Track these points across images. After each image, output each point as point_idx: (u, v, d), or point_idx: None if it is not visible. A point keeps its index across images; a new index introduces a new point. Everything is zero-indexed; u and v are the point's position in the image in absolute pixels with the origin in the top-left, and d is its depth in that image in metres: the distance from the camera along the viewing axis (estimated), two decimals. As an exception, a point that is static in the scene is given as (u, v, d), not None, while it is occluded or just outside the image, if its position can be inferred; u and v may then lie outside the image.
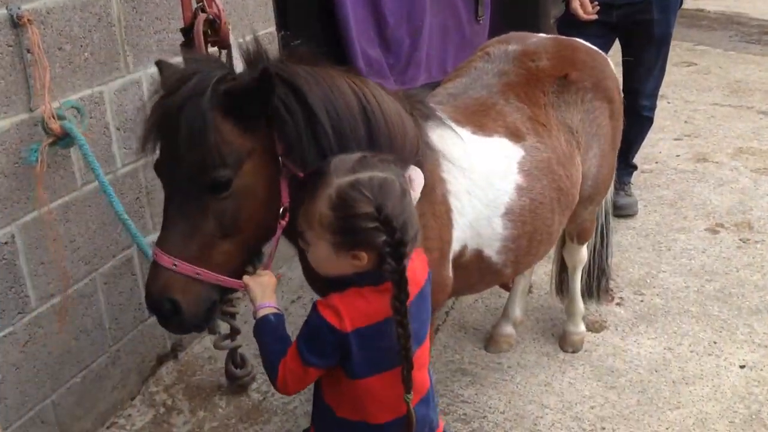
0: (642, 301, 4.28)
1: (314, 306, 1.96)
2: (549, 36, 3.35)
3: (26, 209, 2.80)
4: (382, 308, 1.89)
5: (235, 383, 3.65)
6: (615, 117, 3.27)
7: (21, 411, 2.94)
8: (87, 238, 3.12)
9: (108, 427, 3.44)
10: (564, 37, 3.33)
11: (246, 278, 2.11)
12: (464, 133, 2.70)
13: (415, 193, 2.15)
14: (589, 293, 4.02)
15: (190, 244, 2.05)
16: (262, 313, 2.05)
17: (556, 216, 2.94)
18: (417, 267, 2.07)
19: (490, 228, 2.71)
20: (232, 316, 3.46)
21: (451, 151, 2.56)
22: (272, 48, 4.07)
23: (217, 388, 3.71)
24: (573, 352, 3.86)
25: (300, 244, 2.01)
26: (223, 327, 3.48)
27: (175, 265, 2.04)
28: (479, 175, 2.67)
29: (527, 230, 2.82)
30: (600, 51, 3.37)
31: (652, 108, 5.16)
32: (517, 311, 3.92)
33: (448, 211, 2.57)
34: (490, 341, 3.91)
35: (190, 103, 1.98)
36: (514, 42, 3.24)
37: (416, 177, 2.20)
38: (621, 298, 4.31)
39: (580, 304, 3.89)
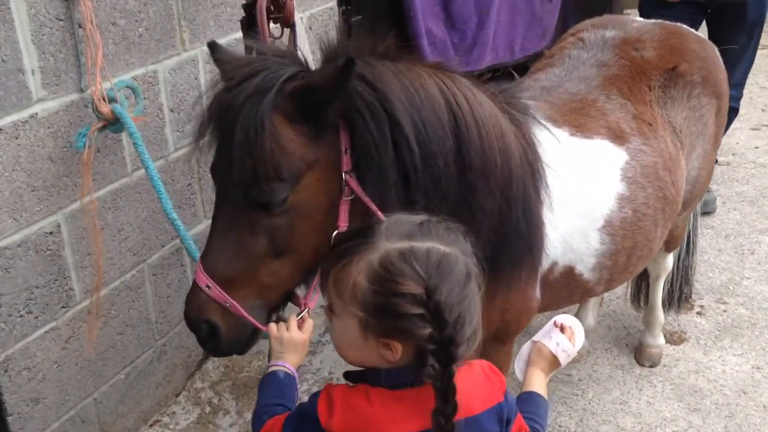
0: (725, 311, 3.93)
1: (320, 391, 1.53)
2: (651, 21, 2.97)
3: (73, 197, 2.55)
4: (392, 421, 1.41)
5: None
6: (721, 114, 2.91)
7: (60, 411, 2.73)
8: (136, 227, 2.87)
9: (151, 425, 3.23)
10: (668, 22, 2.96)
11: (273, 328, 1.77)
12: (561, 134, 2.38)
13: (571, 350, 1.84)
14: (669, 303, 3.70)
15: (233, 264, 1.79)
16: (272, 369, 1.73)
17: (659, 229, 2.62)
18: (471, 384, 1.47)
19: (585, 243, 2.40)
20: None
21: (546, 156, 2.25)
22: (331, 23, 3.76)
23: (266, 387, 3.48)
24: (651, 366, 3.55)
25: (325, 311, 1.55)
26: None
27: (209, 287, 1.79)
28: (577, 184, 2.36)
29: (627, 245, 2.50)
30: (708, 40, 2.99)
31: (738, 98, 4.74)
32: (590, 319, 3.61)
33: (541, 223, 2.26)
34: (559, 350, 3.61)
35: (249, 103, 1.70)
36: (612, 27, 2.88)
37: (577, 328, 1.90)
38: (702, 306, 3.97)
39: (660, 315, 3.57)
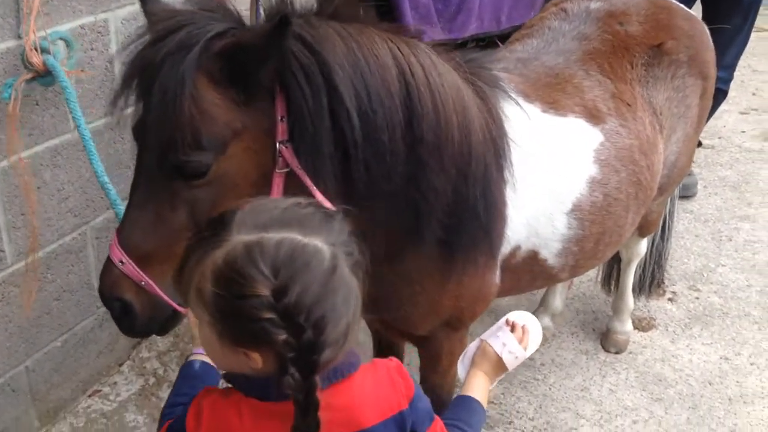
0: (697, 298, 3.82)
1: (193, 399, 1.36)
2: None
3: (4, 152, 2.36)
4: None
5: None
6: (706, 96, 2.75)
7: (-11, 377, 2.58)
8: (78, 187, 2.69)
9: (90, 396, 3.08)
10: None
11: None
12: (533, 110, 2.22)
13: (525, 351, 1.70)
14: (640, 288, 3.58)
15: (149, 239, 1.63)
16: (189, 358, 1.59)
17: (631, 215, 2.47)
18: (367, 392, 1.32)
19: (550, 226, 2.25)
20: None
21: (513, 133, 2.09)
22: None
23: (217, 357, 3.34)
24: (616, 353, 3.44)
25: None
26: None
27: (122, 262, 1.63)
28: (545, 164, 2.20)
29: (595, 231, 2.35)
30: (699, 18, 2.81)
31: (729, 80, 4.58)
32: (558, 302, 3.48)
33: (503, 203, 2.11)
34: (524, 333, 3.49)
35: (170, 61, 1.53)
36: (598, -5, 2.69)
37: (532, 327, 1.75)
38: (674, 292, 3.86)
39: (629, 300, 3.45)
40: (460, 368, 1.73)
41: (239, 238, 1.18)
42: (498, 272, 2.22)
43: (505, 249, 2.19)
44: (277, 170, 1.66)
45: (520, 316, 1.75)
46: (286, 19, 1.49)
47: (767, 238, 4.31)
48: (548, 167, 2.21)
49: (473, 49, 2.27)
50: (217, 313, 1.17)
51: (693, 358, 3.42)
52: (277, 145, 1.64)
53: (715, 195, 4.76)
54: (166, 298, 1.66)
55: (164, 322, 1.75)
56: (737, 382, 3.28)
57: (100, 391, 3.08)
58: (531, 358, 3.33)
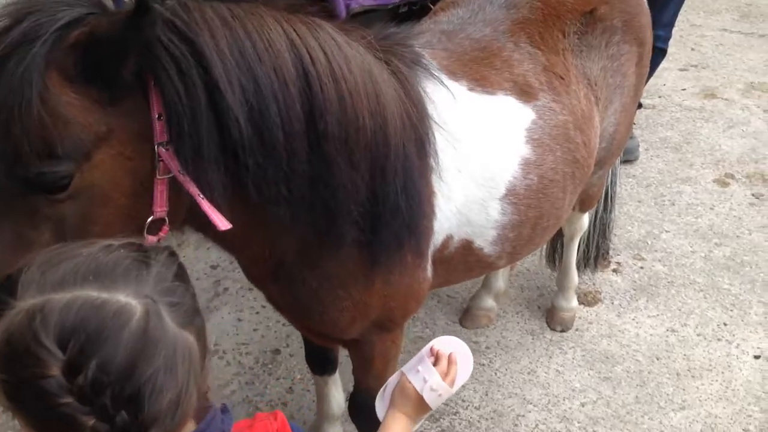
0: (642, 267, 3.74)
1: None
2: None
3: None
4: None
5: None
6: (643, 63, 2.60)
7: None
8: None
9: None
10: None
11: None
12: (458, 89, 2.04)
13: (451, 387, 1.50)
14: (585, 263, 3.47)
15: (8, 262, 1.36)
16: None
17: (568, 195, 2.32)
18: None
19: (484, 214, 2.09)
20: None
21: (438, 115, 1.91)
22: None
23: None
24: (562, 331, 3.33)
25: None
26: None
27: None
28: (474, 147, 2.03)
29: (531, 215, 2.20)
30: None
31: (667, 38, 4.46)
32: (500, 281, 3.35)
33: (429, 194, 1.93)
34: (466, 315, 3.36)
35: (16, 57, 1.30)
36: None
37: (460, 356, 1.54)
38: (618, 263, 3.76)
39: (574, 277, 3.33)
40: (379, 407, 1.54)
41: (22, 304, 0.95)
42: (429, 266, 2.06)
43: (436, 241, 2.03)
44: (158, 176, 1.45)
45: (447, 344, 1.54)
46: (143, 5, 1.27)
47: (709, 200, 4.25)
48: (477, 151, 2.04)
49: (390, 24, 2.04)
50: (13, 402, 0.95)
51: (639, 332, 3.33)
52: (156, 147, 1.43)
53: (656, 157, 4.68)
54: None
55: None
56: (684, 355, 3.21)
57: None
58: (476, 341, 3.22)
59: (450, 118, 1.96)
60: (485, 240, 2.15)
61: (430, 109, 1.90)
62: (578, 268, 3.40)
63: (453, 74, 2.07)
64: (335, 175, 1.60)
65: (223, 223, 1.46)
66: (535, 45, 2.26)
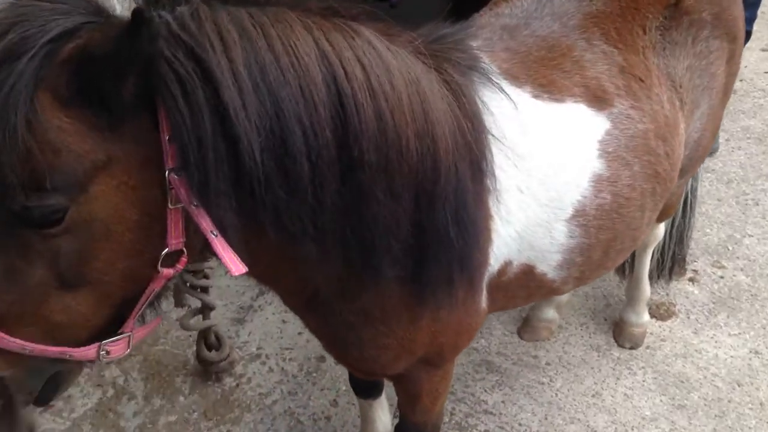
0: (722, 277, 3.40)
1: None
2: None
3: None
4: None
5: (210, 369, 2.92)
6: (734, 61, 2.28)
7: None
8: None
9: (41, 411, 2.74)
10: None
11: None
12: (521, 96, 1.78)
13: None
14: (659, 273, 3.16)
15: (5, 297, 1.22)
16: None
17: (647, 213, 2.04)
18: None
19: (548, 237, 1.84)
20: (204, 289, 2.70)
21: (497, 129, 1.66)
22: None
23: (182, 366, 2.98)
24: (631, 348, 3.05)
25: None
26: (193, 301, 2.72)
27: None
28: (538, 163, 1.77)
29: (603, 238, 1.93)
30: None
31: (752, 19, 4.07)
32: (565, 291, 3.07)
33: (485, 217, 1.69)
34: (525, 326, 3.10)
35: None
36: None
37: None
38: (695, 271, 3.43)
39: (646, 288, 3.04)
40: None
41: None
42: (484, 298, 1.83)
43: (492, 269, 1.79)
44: (170, 206, 1.25)
45: None
46: (140, 14, 1.06)
47: (799, 201, 3.86)
48: (542, 167, 1.78)
49: (444, 23, 1.77)
50: None
51: (719, 352, 3.02)
52: (167, 174, 1.22)
53: (738, 150, 4.29)
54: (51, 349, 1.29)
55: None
56: (770, 380, 2.90)
57: (53, 405, 2.74)
58: (535, 356, 2.97)
59: (511, 131, 1.70)
60: (549, 265, 1.90)
61: (489, 122, 1.65)
62: (651, 279, 3.10)
63: (515, 79, 1.81)
64: (371, 207, 1.37)
65: (236, 267, 1.26)
66: (610, 43, 1.97)
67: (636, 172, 1.94)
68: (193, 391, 2.87)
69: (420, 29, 1.68)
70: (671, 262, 3.13)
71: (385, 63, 1.37)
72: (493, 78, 1.72)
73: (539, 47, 1.91)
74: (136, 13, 1.07)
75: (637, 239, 2.09)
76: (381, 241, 1.43)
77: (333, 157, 1.29)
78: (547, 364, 2.99)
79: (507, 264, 1.82)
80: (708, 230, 3.68)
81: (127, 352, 1.38)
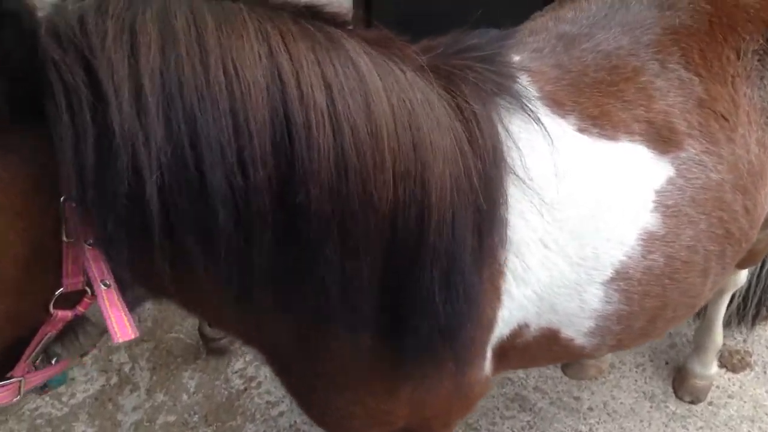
0: (813, 329, 2.95)
1: None
2: None
3: None
4: None
5: (210, 345, 2.76)
6: None
7: None
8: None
9: (41, 395, 2.65)
10: None
11: None
12: (562, 129, 1.45)
13: None
14: (739, 320, 2.75)
15: None
16: None
17: (711, 278, 1.68)
18: None
19: (577, 301, 1.52)
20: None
21: (523, 167, 1.34)
22: None
23: (192, 358, 2.82)
24: (691, 402, 2.67)
25: None
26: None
27: None
28: (573, 214, 1.44)
29: (650, 306, 1.60)
30: None
31: None
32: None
33: (493, 275, 1.39)
34: (572, 362, 2.77)
35: None
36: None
37: None
38: (781, 318, 2.98)
39: (717, 338, 2.64)
40: None
41: None
42: (488, 363, 1.53)
43: (502, 332, 1.50)
44: (65, 239, 1.02)
45: None
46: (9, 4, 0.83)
47: None
48: (577, 219, 1.45)
49: (487, 29, 1.45)
50: None
51: (796, 420, 2.60)
52: (61, 203, 0.99)
53: None
54: None
55: None
56: None
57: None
58: (577, 397, 2.64)
59: (541, 171, 1.39)
60: (578, 331, 1.58)
61: (512, 159, 1.33)
62: (729, 324, 2.70)
63: (559, 106, 1.47)
64: (318, 269, 1.10)
65: (122, 331, 1.04)
66: (691, 67, 1.59)
67: (701, 230, 1.57)
68: (198, 390, 2.70)
69: (442, 38, 1.38)
70: (756, 309, 2.71)
71: (364, 85, 1.08)
72: (527, 104, 1.40)
73: (598, 67, 1.56)
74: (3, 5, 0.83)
75: (695, 306, 1.73)
76: (337, 303, 1.16)
77: (267, 204, 1.02)
78: (590, 409, 2.65)
79: (523, 327, 1.52)
80: (807, 269, 3.20)
81: (16, 400, 1.18)
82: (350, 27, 1.18)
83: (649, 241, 1.52)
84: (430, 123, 1.17)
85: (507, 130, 1.35)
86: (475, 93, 1.30)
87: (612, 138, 1.49)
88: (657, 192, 1.52)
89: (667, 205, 1.52)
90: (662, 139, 1.52)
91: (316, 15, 1.13)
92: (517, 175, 1.35)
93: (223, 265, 1.04)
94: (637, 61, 1.58)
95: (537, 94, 1.46)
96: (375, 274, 1.15)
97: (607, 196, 1.48)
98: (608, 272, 1.51)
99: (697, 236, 1.57)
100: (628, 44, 1.60)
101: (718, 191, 1.58)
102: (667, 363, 2.81)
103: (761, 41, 1.63)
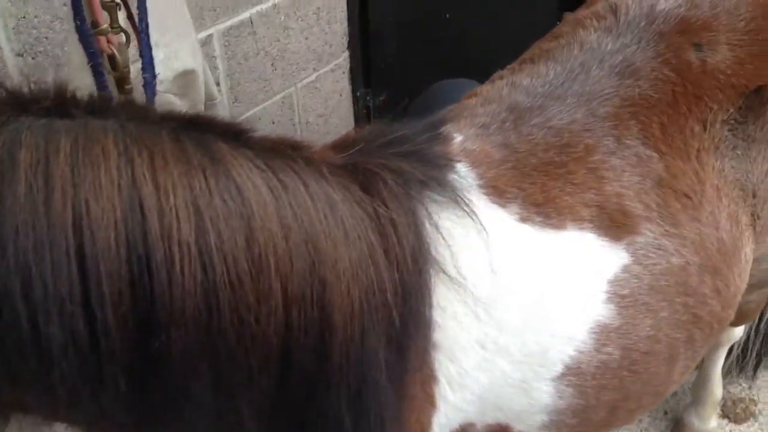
0: (825, 374, 2.78)
1: None
2: None
3: None
4: None
5: None
6: None
7: None
8: None
9: None
10: None
11: None
12: (502, 220, 1.35)
13: None
14: (739, 370, 2.61)
15: None
16: None
17: (680, 363, 1.57)
18: None
19: (524, 398, 1.42)
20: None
21: (455, 266, 1.25)
22: (251, 43, 2.65)
23: None
24: (689, 457, 2.54)
25: None
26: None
27: None
28: (513, 312, 1.34)
29: (607, 399, 1.49)
30: None
31: None
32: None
33: (424, 382, 1.29)
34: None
35: None
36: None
37: None
38: (790, 362, 2.83)
39: (715, 391, 2.50)
40: None
41: None
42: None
43: (443, 432, 1.40)
44: None
45: None
46: None
47: None
48: (518, 316, 1.35)
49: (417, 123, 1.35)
50: None
51: (801, 478, 2.46)
52: None
53: None
54: None
55: None
56: None
57: None
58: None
59: (476, 268, 1.29)
60: (529, 426, 1.48)
61: (444, 258, 1.24)
62: (729, 374, 2.56)
63: (500, 194, 1.37)
64: (188, 408, 1.02)
65: None
66: (650, 143, 1.47)
67: (662, 319, 1.46)
68: None
69: (364, 131, 1.29)
70: (756, 358, 2.57)
71: (247, 209, 0.99)
72: (461, 197, 1.30)
73: (548, 146, 1.45)
74: None
75: (663, 393, 1.62)
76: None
77: (120, 347, 0.92)
78: (582, 460, 2.54)
79: (467, 427, 1.42)
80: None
81: None
82: (249, 135, 1.10)
83: (603, 334, 1.41)
84: (335, 237, 1.08)
85: (437, 228, 1.25)
86: (397, 193, 1.20)
87: (557, 227, 1.38)
88: (610, 282, 1.40)
89: (623, 295, 1.41)
90: (615, 225, 1.41)
91: (206, 128, 1.05)
92: (449, 276, 1.26)
93: (73, 413, 0.97)
94: (590, 137, 1.46)
95: (476, 182, 1.36)
96: (263, 409, 1.07)
97: (551, 290, 1.37)
98: (557, 368, 1.40)
99: (657, 325, 1.46)
100: (583, 118, 1.49)
101: (681, 276, 1.46)
102: (666, 413, 2.68)
103: (732, 110, 1.51)
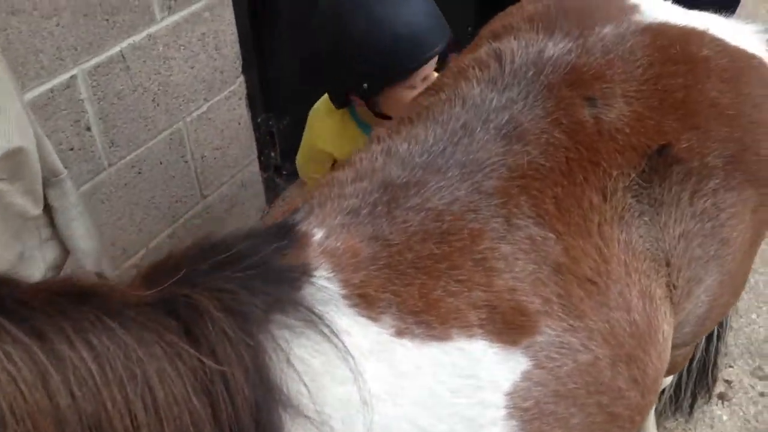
0: (763, 395, 2.65)
1: None
2: (648, 22, 1.48)
3: None
4: None
5: None
6: (765, 208, 1.52)
7: None
8: None
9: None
10: (682, 24, 1.47)
11: None
12: (372, 338, 1.12)
13: None
14: (674, 409, 2.45)
15: None
16: None
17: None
18: None
19: None
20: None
21: (316, 401, 1.02)
22: (125, 80, 2.42)
23: None
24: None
25: None
26: None
27: None
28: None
29: None
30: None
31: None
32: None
33: None
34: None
35: None
36: (566, 26, 1.44)
37: None
38: (728, 383, 2.68)
39: (649, 428, 2.34)
40: None
41: None
42: None
43: None
44: None
45: None
46: None
47: None
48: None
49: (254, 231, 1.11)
50: None
51: None
52: None
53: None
54: None
55: None
56: None
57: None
58: None
59: (342, 402, 1.06)
60: None
61: (300, 397, 1.02)
62: (664, 412, 2.41)
63: (370, 304, 1.14)
64: None
65: None
66: (544, 222, 1.26)
67: (575, 425, 1.25)
68: None
69: (192, 246, 1.04)
70: (691, 397, 2.41)
71: (50, 381, 0.76)
72: (319, 318, 1.07)
73: (426, 234, 1.22)
74: None
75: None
76: None
77: None
78: None
79: None
80: (754, 316, 2.90)
81: None
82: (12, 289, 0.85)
83: (503, 453, 1.20)
84: (141, 415, 0.84)
85: (289, 362, 1.02)
86: (229, 333, 0.96)
87: (441, 337, 1.16)
88: (508, 395, 1.19)
89: (525, 408, 1.20)
90: (510, 327, 1.19)
91: None
92: (308, 417, 1.03)
93: None
94: (476, 220, 1.24)
95: (340, 293, 1.13)
96: None
97: (439, 416, 1.15)
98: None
99: (569, 429, 1.25)
100: (467, 195, 1.27)
101: (591, 373, 1.26)
102: (601, 458, 2.51)
103: (633, 175, 1.31)
